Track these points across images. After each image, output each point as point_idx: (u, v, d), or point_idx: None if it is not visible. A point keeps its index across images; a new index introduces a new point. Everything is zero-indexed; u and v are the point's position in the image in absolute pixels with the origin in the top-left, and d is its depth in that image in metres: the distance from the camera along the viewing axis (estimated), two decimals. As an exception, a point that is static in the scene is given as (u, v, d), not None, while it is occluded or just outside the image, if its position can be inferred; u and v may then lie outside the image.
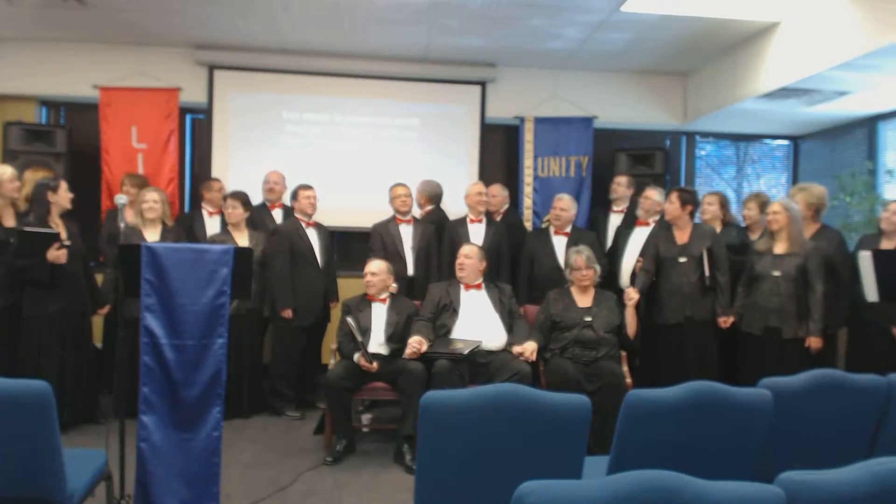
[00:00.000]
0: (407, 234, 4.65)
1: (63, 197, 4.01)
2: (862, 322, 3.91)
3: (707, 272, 4.01)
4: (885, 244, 3.87)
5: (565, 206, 4.62)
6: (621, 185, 5.08)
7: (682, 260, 4.07)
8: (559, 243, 4.61)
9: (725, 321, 4.00)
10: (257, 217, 4.86)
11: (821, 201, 4.13)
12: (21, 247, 3.77)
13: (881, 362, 3.37)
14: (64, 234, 3.98)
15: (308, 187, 4.68)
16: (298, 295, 4.49)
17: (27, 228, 3.81)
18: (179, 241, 4.22)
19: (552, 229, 4.68)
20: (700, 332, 4.04)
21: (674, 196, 4.15)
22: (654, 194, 4.58)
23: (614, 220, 5.05)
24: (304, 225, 4.61)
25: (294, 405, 4.56)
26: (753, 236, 4.53)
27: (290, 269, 4.46)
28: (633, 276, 4.44)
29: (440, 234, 4.77)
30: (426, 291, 4.19)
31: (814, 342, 3.75)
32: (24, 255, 3.78)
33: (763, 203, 4.60)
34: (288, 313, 4.44)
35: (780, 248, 3.87)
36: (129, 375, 3.74)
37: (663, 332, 4.12)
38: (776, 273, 3.82)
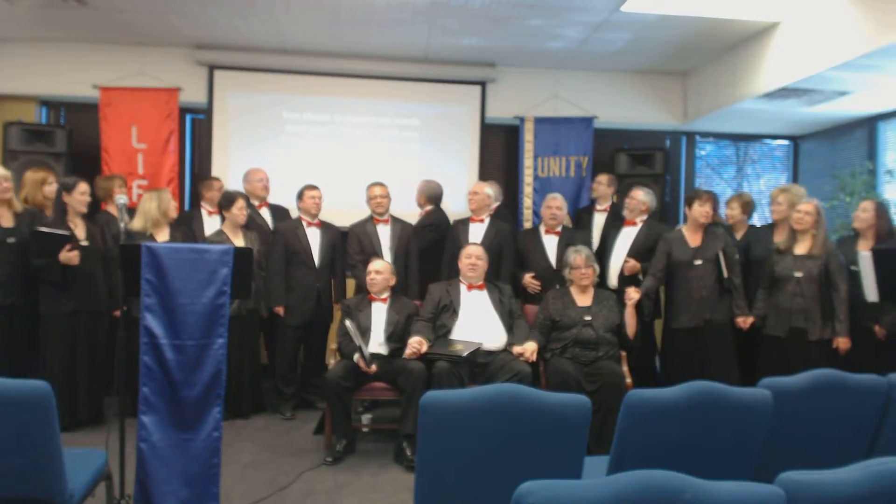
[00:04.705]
0: (384, 234, 4.64)
1: (77, 199, 3.98)
2: (861, 322, 3.90)
3: (725, 274, 3.99)
4: (862, 244, 3.86)
5: (561, 204, 4.64)
6: (602, 184, 5.14)
7: (698, 263, 4.06)
8: (550, 242, 4.61)
9: (744, 321, 3.99)
10: (250, 217, 4.87)
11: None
12: (36, 247, 3.81)
13: (881, 362, 3.37)
14: (82, 235, 4.00)
15: (314, 187, 4.69)
16: (291, 293, 4.51)
17: (41, 229, 3.82)
18: (175, 241, 4.23)
19: (543, 228, 4.69)
20: (720, 335, 4.02)
21: (711, 202, 4.21)
22: (639, 194, 4.60)
23: (598, 220, 5.07)
24: (305, 225, 4.61)
25: (290, 405, 4.55)
26: (738, 235, 4.56)
27: (284, 268, 4.50)
28: (622, 275, 4.45)
29: (442, 235, 4.77)
30: (404, 290, 4.19)
31: (842, 343, 3.73)
32: (39, 255, 3.82)
33: (746, 203, 4.62)
34: (280, 310, 4.49)
35: (801, 248, 3.85)
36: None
37: (681, 336, 4.08)
38: (798, 274, 3.80)
